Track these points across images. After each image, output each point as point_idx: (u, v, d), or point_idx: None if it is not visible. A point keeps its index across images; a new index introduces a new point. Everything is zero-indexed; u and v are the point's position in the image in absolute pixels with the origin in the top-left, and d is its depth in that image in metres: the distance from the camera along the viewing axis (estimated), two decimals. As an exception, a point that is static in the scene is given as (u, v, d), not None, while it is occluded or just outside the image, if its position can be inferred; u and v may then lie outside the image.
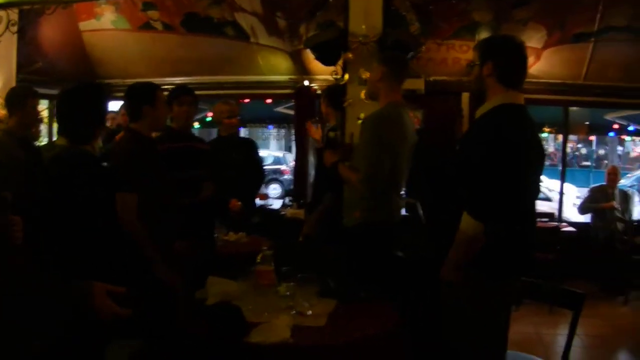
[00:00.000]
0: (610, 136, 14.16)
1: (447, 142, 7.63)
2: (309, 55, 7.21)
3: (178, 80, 9.89)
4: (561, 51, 9.24)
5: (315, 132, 6.38)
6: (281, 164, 22.16)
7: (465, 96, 9.14)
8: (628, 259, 8.91)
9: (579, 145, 29.38)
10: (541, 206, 12.38)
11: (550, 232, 9.09)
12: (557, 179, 11.06)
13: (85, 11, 9.90)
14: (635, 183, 17.36)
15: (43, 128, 7.09)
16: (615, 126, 11.19)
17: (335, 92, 6.01)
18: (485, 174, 3.33)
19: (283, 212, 9.45)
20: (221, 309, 3.37)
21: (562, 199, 10.81)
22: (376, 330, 3.45)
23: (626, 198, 9.91)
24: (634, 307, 8.36)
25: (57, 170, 3.73)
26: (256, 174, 7.30)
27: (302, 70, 9.99)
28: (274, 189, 21.29)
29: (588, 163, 28.19)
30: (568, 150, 27.59)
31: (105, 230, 3.76)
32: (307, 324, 3.41)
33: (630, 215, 9.92)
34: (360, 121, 5.12)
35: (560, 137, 11.66)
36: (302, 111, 10.12)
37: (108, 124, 9.73)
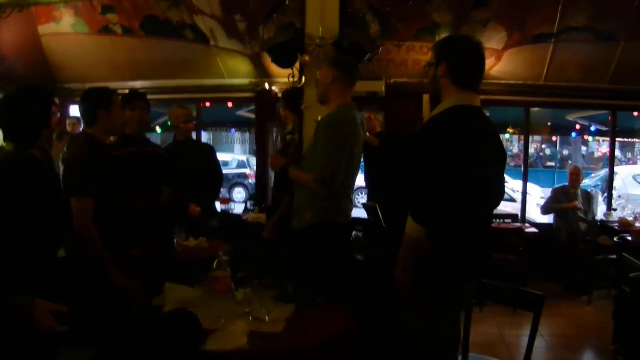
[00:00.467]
0: (573, 137, 14.22)
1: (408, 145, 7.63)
2: (269, 58, 7.18)
3: (139, 84, 9.87)
4: (522, 52, 9.28)
5: None
6: (245, 168, 22.04)
7: (426, 98, 9.04)
8: (591, 259, 8.93)
9: (544, 146, 29.61)
10: (505, 207, 12.42)
11: (514, 233, 9.10)
12: (521, 179, 11.08)
13: (45, 15, 9.85)
14: (599, 183, 17.44)
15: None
16: (578, 127, 11.24)
17: (293, 96, 5.96)
18: (426, 177, 3.31)
19: (245, 217, 9.39)
20: (176, 316, 3.30)
21: (526, 200, 10.82)
22: (333, 334, 3.42)
23: (589, 198, 9.97)
24: (598, 307, 8.37)
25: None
26: (215, 179, 7.25)
27: (263, 73, 9.97)
28: (239, 193, 21.20)
29: (552, 164, 28.41)
30: (532, 151, 27.93)
31: (47, 235, 3.73)
32: (265, 330, 3.38)
33: (594, 215, 9.98)
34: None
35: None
36: (263, 114, 10.12)
37: (69, 129, 9.66)
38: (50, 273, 3.69)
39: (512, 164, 27.22)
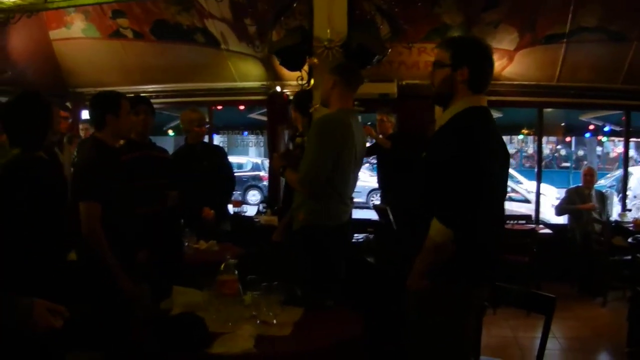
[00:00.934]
0: (587, 137, 14.14)
1: (421, 147, 7.62)
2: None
3: (150, 88, 9.86)
4: (533, 53, 9.21)
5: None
6: (260, 170, 22.11)
7: (439, 100, 8.98)
8: (606, 260, 8.86)
9: (559, 147, 29.51)
10: (520, 208, 12.38)
11: (527, 234, 9.02)
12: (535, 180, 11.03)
13: (56, 20, 9.88)
14: (614, 183, 17.36)
15: None
16: (591, 127, 11.20)
17: (304, 98, 5.96)
18: (457, 179, 3.22)
19: (257, 219, 9.38)
20: (183, 320, 3.29)
21: (539, 201, 10.75)
22: (341, 338, 3.40)
23: (602, 199, 9.91)
24: (612, 308, 8.31)
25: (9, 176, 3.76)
26: (227, 181, 7.23)
27: (274, 76, 9.96)
28: (253, 196, 21.28)
29: (568, 164, 28.29)
30: (547, 151, 27.83)
31: (52, 236, 3.80)
32: (272, 333, 3.36)
33: (608, 215, 9.92)
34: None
35: (538, 138, 11.62)
36: (274, 117, 10.09)
37: (82, 133, 9.69)
38: (56, 275, 3.71)
39: (527, 164, 27.18)
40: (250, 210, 11.30)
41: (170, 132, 12.48)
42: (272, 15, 6.55)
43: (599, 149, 28.77)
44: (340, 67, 5.02)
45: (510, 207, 13.25)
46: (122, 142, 5.25)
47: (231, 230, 7.17)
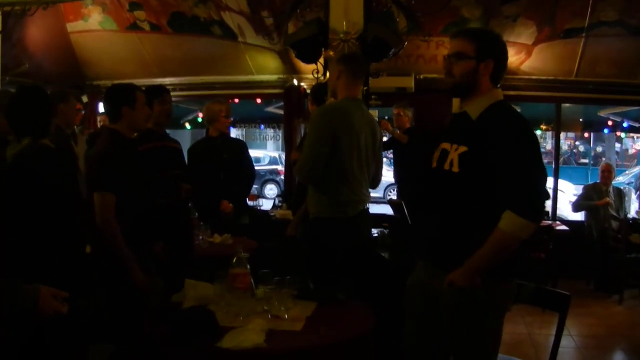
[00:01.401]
0: (605, 133, 14.03)
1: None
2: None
3: (167, 80, 9.87)
4: (552, 47, 9.12)
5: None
6: (277, 164, 22.10)
7: (457, 93, 8.94)
8: (622, 257, 8.79)
9: (577, 143, 29.31)
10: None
11: (544, 230, 8.94)
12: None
13: (73, 12, 9.89)
14: (633, 180, 17.25)
15: None
16: (610, 123, 11.11)
17: (320, 91, 5.94)
18: (531, 168, 3.15)
19: (272, 213, 9.36)
20: (193, 314, 3.28)
21: (556, 197, 10.67)
22: (353, 334, 3.38)
23: (620, 196, 9.84)
24: (629, 306, 8.27)
25: (21, 164, 3.86)
26: (247, 175, 7.22)
27: (291, 69, 9.96)
28: (271, 189, 21.30)
29: (586, 160, 28.09)
30: (566, 147, 27.64)
31: (63, 224, 3.89)
32: (283, 328, 3.33)
33: (626, 213, 9.85)
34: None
35: (557, 134, 11.55)
36: (291, 110, 10.10)
37: (100, 125, 9.74)
38: (70, 266, 3.72)
39: (545, 160, 27.01)
40: (267, 204, 11.30)
41: (187, 125, 12.51)
42: (289, 7, 6.53)
43: (617, 145, 28.54)
44: (345, 57, 5.04)
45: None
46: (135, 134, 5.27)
47: (247, 224, 7.16)
